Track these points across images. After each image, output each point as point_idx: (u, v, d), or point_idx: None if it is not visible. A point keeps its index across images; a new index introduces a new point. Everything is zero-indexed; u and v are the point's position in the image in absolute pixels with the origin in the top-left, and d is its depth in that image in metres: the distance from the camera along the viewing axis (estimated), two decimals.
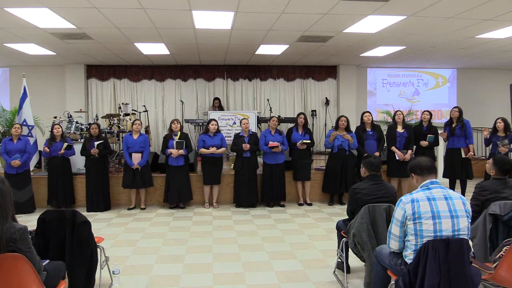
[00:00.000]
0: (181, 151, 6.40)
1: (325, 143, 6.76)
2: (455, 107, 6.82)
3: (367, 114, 6.65)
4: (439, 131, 6.85)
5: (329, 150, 6.75)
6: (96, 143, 6.39)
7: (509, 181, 3.35)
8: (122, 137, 7.66)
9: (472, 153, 6.54)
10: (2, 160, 7.09)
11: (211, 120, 6.74)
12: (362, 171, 3.66)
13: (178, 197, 6.58)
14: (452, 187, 6.66)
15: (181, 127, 6.79)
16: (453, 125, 6.63)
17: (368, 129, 6.59)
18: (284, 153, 6.73)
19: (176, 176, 6.48)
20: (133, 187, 6.55)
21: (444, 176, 6.87)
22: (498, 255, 2.85)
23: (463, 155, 6.53)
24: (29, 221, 5.28)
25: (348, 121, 6.56)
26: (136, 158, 6.44)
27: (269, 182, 6.61)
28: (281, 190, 6.67)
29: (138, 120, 6.91)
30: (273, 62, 10.26)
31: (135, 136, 6.53)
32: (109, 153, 6.82)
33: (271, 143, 6.38)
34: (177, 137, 6.51)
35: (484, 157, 9.19)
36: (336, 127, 6.60)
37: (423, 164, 2.67)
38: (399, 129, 6.62)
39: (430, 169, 2.66)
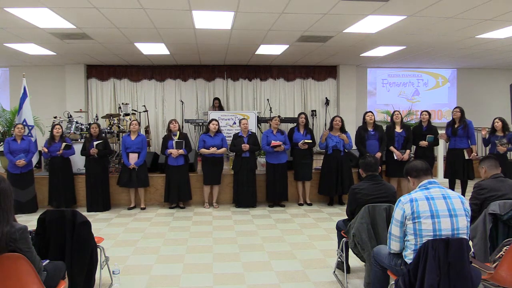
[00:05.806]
0: (181, 151, 6.40)
1: (319, 143, 6.75)
2: (456, 107, 6.75)
3: (369, 114, 6.60)
4: (439, 131, 6.82)
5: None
6: (95, 143, 6.39)
7: (506, 179, 3.36)
8: (122, 137, 7.67)
9: (476, 154, 6.45)
10: (3, 160, 7.11)
11: (212, 120, 6.74)
12: (360, 172, 3.67)
13: (178, 197, 6.59)
14: (451, 187, 6.63)
15: (180, 127, 6.78)
16: (455, 126, 6.58)
17: (370, 129, 6.55)
18: (286, 153, 6.73)
19: (176, 175, 6.48)
20: (128, 186, 6.55)
21: (445, 176, 6.85)
22: (498, 255, 2.85)
23: (466, 157, 6.44)
24: (29, 221, 5.27)
25: (342, 121, 6.55)
26: (133, 158, 6.44)
27: (272, 182, 6.61)
28: (283, 189, 6.66)
29: (135, 120, 6.91)
30: (273, 62, 10.26)
31: (133, 137, 6.53)
32: (108, 153, 6.81)
33: (273, 142, 6.37)
34: (177, 137, 6.51)
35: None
36: (331, 128, 6.59)
37: (418, 166, 2.71)
38: (397, 129, 6.62)
39: (425, 171, 2.69)
